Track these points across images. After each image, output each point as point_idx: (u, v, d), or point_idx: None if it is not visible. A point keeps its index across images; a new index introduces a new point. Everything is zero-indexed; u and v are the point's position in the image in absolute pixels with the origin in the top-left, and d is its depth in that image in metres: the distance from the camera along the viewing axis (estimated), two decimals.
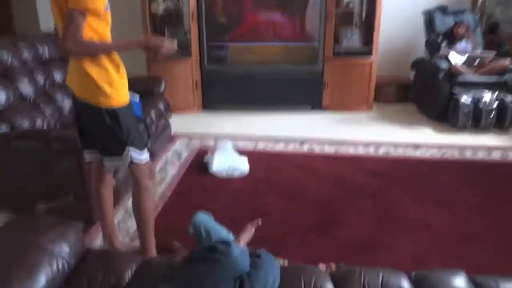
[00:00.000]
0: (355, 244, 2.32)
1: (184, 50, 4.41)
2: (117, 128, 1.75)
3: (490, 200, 2.79)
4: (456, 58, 4.30)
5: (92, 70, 1.70)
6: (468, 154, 3.55)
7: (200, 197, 2.79)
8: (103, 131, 1.78)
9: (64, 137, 2.31)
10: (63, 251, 1.29)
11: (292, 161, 3.33)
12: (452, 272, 1.43)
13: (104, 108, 1.73)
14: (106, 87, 1.72)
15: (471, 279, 1.41)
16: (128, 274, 1.35)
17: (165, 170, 3.16)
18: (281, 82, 4.46)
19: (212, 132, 3.91)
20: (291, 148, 3.61)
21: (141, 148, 1.84)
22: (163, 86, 3.61)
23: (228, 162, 3.06)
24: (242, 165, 3.08)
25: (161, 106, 3.41)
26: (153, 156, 3.13)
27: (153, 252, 1.98)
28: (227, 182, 2.98)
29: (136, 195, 1.91)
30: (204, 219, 2.09)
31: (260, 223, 1.83)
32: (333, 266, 1.83)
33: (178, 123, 4.03)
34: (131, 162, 1.81)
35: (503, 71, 4.18)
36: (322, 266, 1.83)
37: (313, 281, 1.35)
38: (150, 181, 1.90)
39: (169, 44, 1.80)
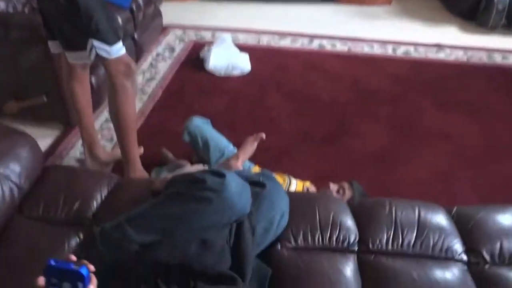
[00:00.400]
0: (369, 157, 2.06)
1: None
2: (76, 14, 1.35)
3: None
4: None
5: None
6: (498, 58, 3.14)
7: (195, 98, 2.46)
8: (61, 17, 1.39)
9: (28, 23, 1.88)
10: (10, 172, 0.99)
11: (300, 60, 2.93)
12: (502, 208, 1.16)
13: None
14: None
15: None
16: (96, 202, 1.07)
17: (155, 66, 2.77)
18: None
19: (210, 24, 3.43)
20: (299, 44, 3.17)
21: (110, 40, 1.44)
22: None
23: (227, 59, 2.66)
24: (243, 63, 2.69)
25: None
26: (140, 49, 2.74)
27: (136, 164, 1.70)
28: (226, 81, 2.62)
29: (111, 97, 1.57)
30: (201, 125, 1.80)
31: (264, 137, 1.53)
32: (345, 186, 1.56)
33: (171, 12, 3.52)
34: (100, 57, 1.44)
35: None
36: (333, 186, 1.56)
37: (331, 215, 1.08)
38: (127, 79, 1.53)
39: None
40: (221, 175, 0.90)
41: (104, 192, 1.11)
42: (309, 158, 2.03)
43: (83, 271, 0.66)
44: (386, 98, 2.52)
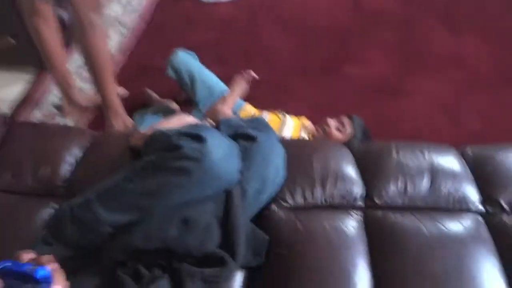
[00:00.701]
0: (372, 87, 1.89)
1: None
2: None
3: None
4: None
5: None
6: None
7: (180, 29, 2.23)
8: None
9: None
10: None
11: None
12: None
13: None
14: None
15: None
16: (69, 165, 0.94)
17: None
18: None
19: None
20: None
21: None
22: None
23: None
24: None
25: None
26: None
27: (116, 108, 1.55)
28: (214, 9, 2.38)
29: (79, 36, 1.38)
30: (187, 59, 1.63)
31: (254, 75, 1.36)
32: (345, 121, 1.43)
33: None
34: None
35: None
36: (332, 123, 1.43)
37: (331, 166, 0.96)
38: (95, 14, 1.33)
39: None
40: (201, 139, 0.76)
41: (78, 153, 0.98)
42: (307, 91, 1.86)
43: (39, 273, 0.55)
44: (391, 20, 2.28)
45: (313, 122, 1.54)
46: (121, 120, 1.56)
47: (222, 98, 1.35)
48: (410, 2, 2.43)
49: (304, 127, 1.48)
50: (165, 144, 0.81)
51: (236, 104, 1.49)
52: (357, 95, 1.86)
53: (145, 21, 2.27)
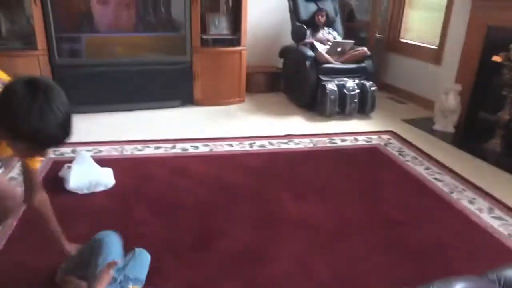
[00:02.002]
0: (238, 257, 2.14)
1: (27, 41, 3.77)
2: None
3: (362, 186, 2.89)
4: (321, 47, 4.41)
5: None
6: (338, 141, 3.66)
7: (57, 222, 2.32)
8: None
9: None
10: None
11: (164, 166, 3.03)
12: None
13: None
14: None
15: None
16: None
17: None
18: (147, 76, 4.08)
19: (71, 137, 3.39)
20: (162, 150, 3.29)
21: None
22: None
23: (89, 176, 2.63)
24: (105, 178, 2.68)
25: None
26: None
27: None
28: (89, 199, 2.57)
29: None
30: None
31: (116, 261, 1.54)
32: None
33: None
34: None
35: (362, 59, 4.42)
36: None
37: None
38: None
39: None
40: None
41: None
42: (180, 271, 2.00)
43: None
44: (248, 194, 2.71)
45: None
46: None
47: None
48: (261, 176, 2.94)
49: None
50: None
51: None
52: (227, 267, 2.05)
53: (20, 218, 2.32)
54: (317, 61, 4.27)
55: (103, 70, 3.98)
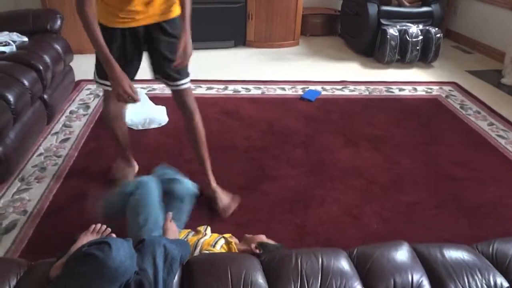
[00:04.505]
0: (286, 200, 2.15)
1: None
2: None
3: (420, 138, 2.76)
4: None
5: None
6: (395, 91, 3.49)
7: (113, 156, 2.42)
8: None
9: None
10: None
11: (216, 107, 3.04)
12: (395, 245, 1.30)
13: None
14: None
15: (415, 250, 1.29)
16: None
17: (69, 126, 2.71)
18: (202, 15, 3.99)
19: None
20: (215, 91, 3.29)
21: None
22: (58, 22, 3.03)
23: (143, 113, 2.69)
24: (160, 115, 2.74)
25: (57, 47, 2.85)
26: (51, 110, 2.67)
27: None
28: (144, 135, 2.64)
29: (188, 119, 1.99)
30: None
31: (170, 216, 1.57)
32: (256, 250, 1.59)
33: (84, 65, 3.48)
34: None
35: (427, 1, 4.09)
36: (249, 239, 1.61)
37: (243, 274, 1.15)
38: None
39: (126, 90, 1.63)
40: (105, 243, 0.95)
41: (13, 282, 1.09)
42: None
43: None
44: (299, 139, 2.68)
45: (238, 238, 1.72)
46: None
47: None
48: (313, 122, 2.88)
49: (227, 242, 1.64)
50: (74, 256, 0.99)
51: None
52: (274, 209, 2.08)
53: (80, 150, 2.45)
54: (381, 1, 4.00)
55: None
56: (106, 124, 2.09)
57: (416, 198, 2.19)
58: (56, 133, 2.61)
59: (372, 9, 3.96)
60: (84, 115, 2.85)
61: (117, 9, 1.67)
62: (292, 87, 3.42)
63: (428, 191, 2.25)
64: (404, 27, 3.93)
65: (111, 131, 2.08)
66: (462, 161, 2.52)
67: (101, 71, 1.73)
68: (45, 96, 2.60)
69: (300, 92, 3.34)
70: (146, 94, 2.95)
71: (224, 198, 2.04)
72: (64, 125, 2.71)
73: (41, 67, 2.52)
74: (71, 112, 2.87)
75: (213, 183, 2.07)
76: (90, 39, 1.58)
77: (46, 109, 2.61)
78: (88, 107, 2.95)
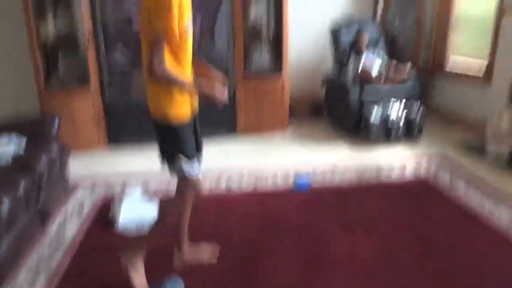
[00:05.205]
0: None
1: (82, 80, 4.01)
2: None
3: (414, 219, 2.78)
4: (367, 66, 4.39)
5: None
6: (385, 171, 3.56)
7: (106, 263, 2.34)
8: None
9: None
10: None
11: (208, 199, 3.07)
12: None
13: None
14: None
15: None
16: None
17: (63, 230, 2.72)
18: None
19: (120, 171, 3.55)
20: (208, 184, 3.34)
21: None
22: (56, 126, 3.18)
23: (137, 216, 2.70)
24: (153, 214, 2.76)
25: (54, 150, 2.96)
26: (45, 213, 2.69)
27: None
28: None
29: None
30: None
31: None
32: None
33: (80, 164, 3.60)
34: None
35: (406, 80, 4.33)
36: None
37: None
38: None
39: (221, 91, 1.97)
40: None
41: None
42: None
43: None
44: (294, 229, 2.68)
45: None
46: None
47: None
48: (307, 210, 2.90)
49: None
50: None
51: None
52: None
53: (73, 257, 2.42)
54: (362, 79, 4.24)
55: None
56: (178, 211, 2.20)
57: (412, 285, 2.17)
58: (50, 236, 2.62)
59: (354, 91, 4.18)
60: (78, 216, 2.87)
61: (192, 98, 2.02)
62: (283, 174, 3.49)
63: (424, 278, 2.23)
64: (386, 106, 4.11)
65: (179, 220, 2.27)
66: (456, 243, 2.50)
67: (192, 150, 2.06)
68: (40, 199, 2.64)
69: (291, 179, 3.40)
70: (140, 189, 3.01)
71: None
72: (58, 228, 2.72)
73: (37, 171, 2.61)
74: (64, 216, 2.89)
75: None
76: (179, 85, 1.88)
77: (40, 212, 2.64)
78: (82, 209, 2.98)
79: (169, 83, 1.85)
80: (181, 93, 1.91)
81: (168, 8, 1.71)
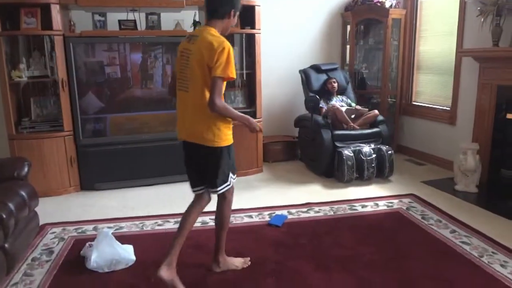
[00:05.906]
0: None
1: (55, 123, 3.98)
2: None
3: (388, 254, 2.80)
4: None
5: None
6: (359, 208, 3.61)
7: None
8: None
9: None
10: None
11: (188, 238, 3.00)
12: None
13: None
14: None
15: None
16: None
17: (30, 275, 2.59)
18: (166, 151, 4.20)
19: (92, 215, 3.46)
20: None
21: None
22: (25, 169, 3.10)
23: (110, 254, 2.63)
24: (126, 255, 2.68)
25: (23, 193, 2.86)
26: (11, 259, 2.57)
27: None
28: (110, 278, 2.55)
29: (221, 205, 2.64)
30: None
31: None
32: None
33: (51, 209, 3.49)
34: None
35: (375, 123, 4.49)
36: None
37: None
38: None
39: (254, 121, 2.45)
40: None
41: None
42: None
43: None
44: (270, 268, 2.64)
45: None
46: None
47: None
48: (282, 249, 2.87)
49: None
50: None
51: None
52: None
53: None
54: (333, 121, 4.38)
55: (124, 148, 4.12)
56: (230, 208, 2.66)
57: None
58: (16, 283, 2.49)
59: (326, 134, 4.30)
60: (47, 261, 2.75)
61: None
62: (259, 214, 3.49)
63: None
64: (358, 148, 4.24)
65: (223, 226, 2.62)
66: (430, 274, 2.54)
67: (233, 168, 2.48)
68: (6, 245, 2.53)
69: (267, 218, 3.40)
70: (112, 233, 2.92)
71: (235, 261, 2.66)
72: (25, 274, 2.59)
73: (4, 216, 2.51)
74: (33, 259, 2.77)
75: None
76: (233, 117, 2.28)
77: (6, 259, 2.51)
78: (51, 252, 2.87)
79: (226, 114, 2.24)
80: (229, 121, 2.31)
81: (229, 60, 2.15)
